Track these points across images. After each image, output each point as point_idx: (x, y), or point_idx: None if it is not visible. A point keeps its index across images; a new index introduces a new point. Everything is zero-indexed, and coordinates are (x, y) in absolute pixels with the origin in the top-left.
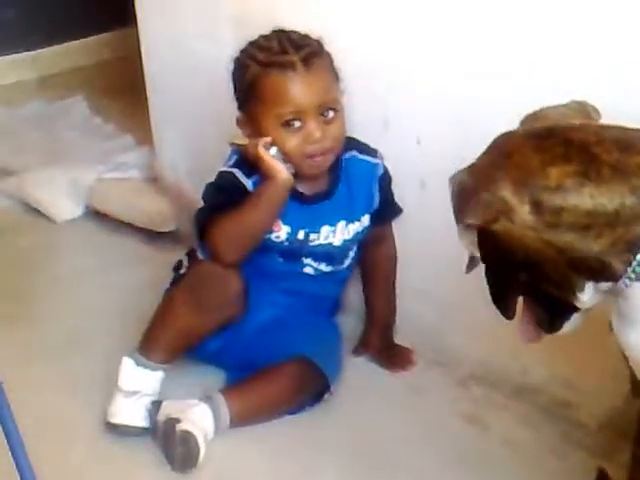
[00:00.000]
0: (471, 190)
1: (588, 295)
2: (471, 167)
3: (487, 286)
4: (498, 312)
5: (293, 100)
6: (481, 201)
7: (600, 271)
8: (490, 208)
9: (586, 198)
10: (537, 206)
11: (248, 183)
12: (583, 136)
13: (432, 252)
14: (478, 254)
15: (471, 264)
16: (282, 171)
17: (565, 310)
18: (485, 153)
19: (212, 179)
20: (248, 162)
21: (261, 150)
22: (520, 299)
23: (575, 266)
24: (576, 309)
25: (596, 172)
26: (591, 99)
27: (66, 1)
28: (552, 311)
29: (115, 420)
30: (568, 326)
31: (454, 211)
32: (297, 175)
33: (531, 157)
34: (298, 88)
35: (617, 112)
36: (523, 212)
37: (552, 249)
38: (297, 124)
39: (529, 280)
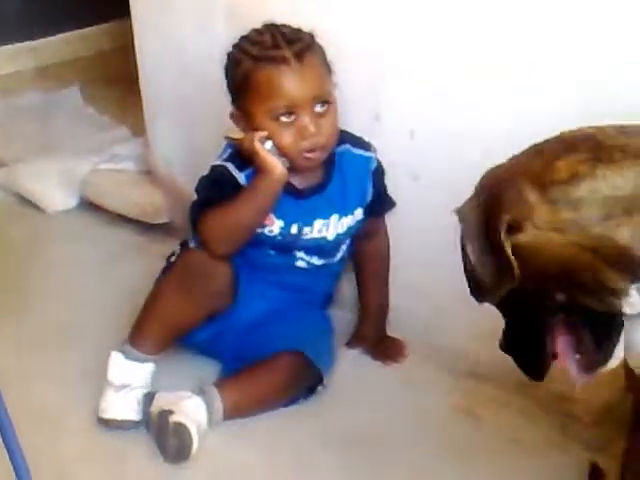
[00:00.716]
0: (489, 204)
1: (636, 297)
2: (476, 192)
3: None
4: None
5: (286, 94)
6: (509, 199)
7: (633, 265)
8: (517, 208)
9: (600, 182)
10: (555, 203)
11: (240, 177)
12: (580, 132)
13: (425, 245)
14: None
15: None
16: (277, 165)
17: (612, 325)
18: (483, 183)
19: (205, 172)
20: (242, 156)
21: (257, 144)
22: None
23: (614, 264)
24: (622, 323)
25: (607, 155)
26: (586, 98)
27: None
28: (599, 330)
29: (106, 415)
30: (618, 351)
31: (464, 234)
32: (291, 169)
33: (533, 160)
34: (291, 82)
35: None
36: (544, 212)
37: (586, 253)
38: (291, 118)
39: (568, 300)
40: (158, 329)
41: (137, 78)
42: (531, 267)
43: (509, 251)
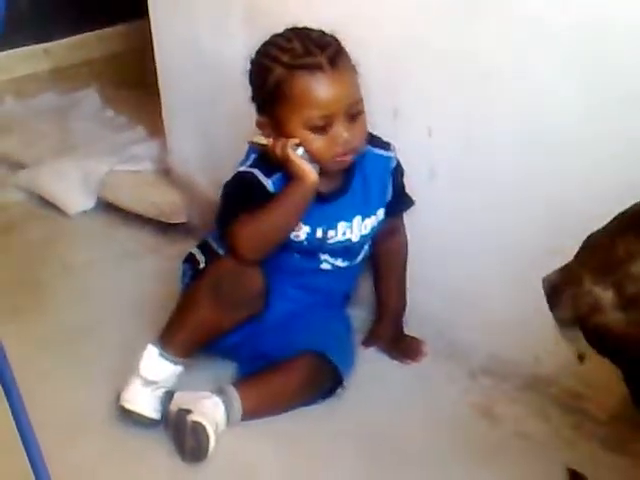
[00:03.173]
0: (559, 286)
1: None
2: (563, 267)
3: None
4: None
5: (322, 103)
6: (569, 296)
7: None
8: (580, 302)
9: None
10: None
11: (268, 183)
12: None
13: (442, 243)
14: (584, 350)
15: (581, 358)
16: (311, 172)
17: None
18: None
19: (229, 179)
20: (268, 161)
21: (290, 151)
22: None
23: None
24: None
25: None
26: (594, 104)
27: None
28: None
29: (129, 406)
30: None
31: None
32: (320, 173)
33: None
34: (327, 90)
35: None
36: (607, 299)
37: None
38: (325, 126)
39: None
40: (189, 335)
41: (153, 79)
42: (610, 345)
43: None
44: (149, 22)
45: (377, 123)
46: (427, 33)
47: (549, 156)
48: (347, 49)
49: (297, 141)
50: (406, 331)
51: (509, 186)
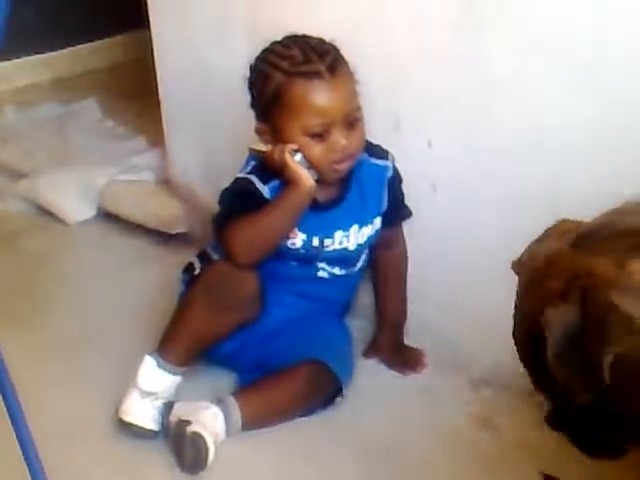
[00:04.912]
0: None
1: None
2: (565, 294)
3: None
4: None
5: (321, 111)
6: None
7: None
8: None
9: None
10: None
11: (265, 189)
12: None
13: (443, 254)
14: None
15: None
16: (308, 178)
17: None
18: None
19: (228, 185)
20: (266, 168)
21: (287, 156)
22: None
23: None
24: None
25: None
26: (604, 101)
27: (80, 4)
28: None
29: (128, 418)
30: None
31: (550, 337)
32: (318, 181)
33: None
34: (326, 98)
35: None
36: None
37: None
38: (323, 132)
39: None
40: (187, 341)
41: (153, 89)
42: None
43: (607, 376)
44: (150, 33)
45: (378, 135)
46: (427, 44)
47: (550, 167)
48: (348, 60)
49: (295, 147)
50: (407, 342)
51: (510, 197)
